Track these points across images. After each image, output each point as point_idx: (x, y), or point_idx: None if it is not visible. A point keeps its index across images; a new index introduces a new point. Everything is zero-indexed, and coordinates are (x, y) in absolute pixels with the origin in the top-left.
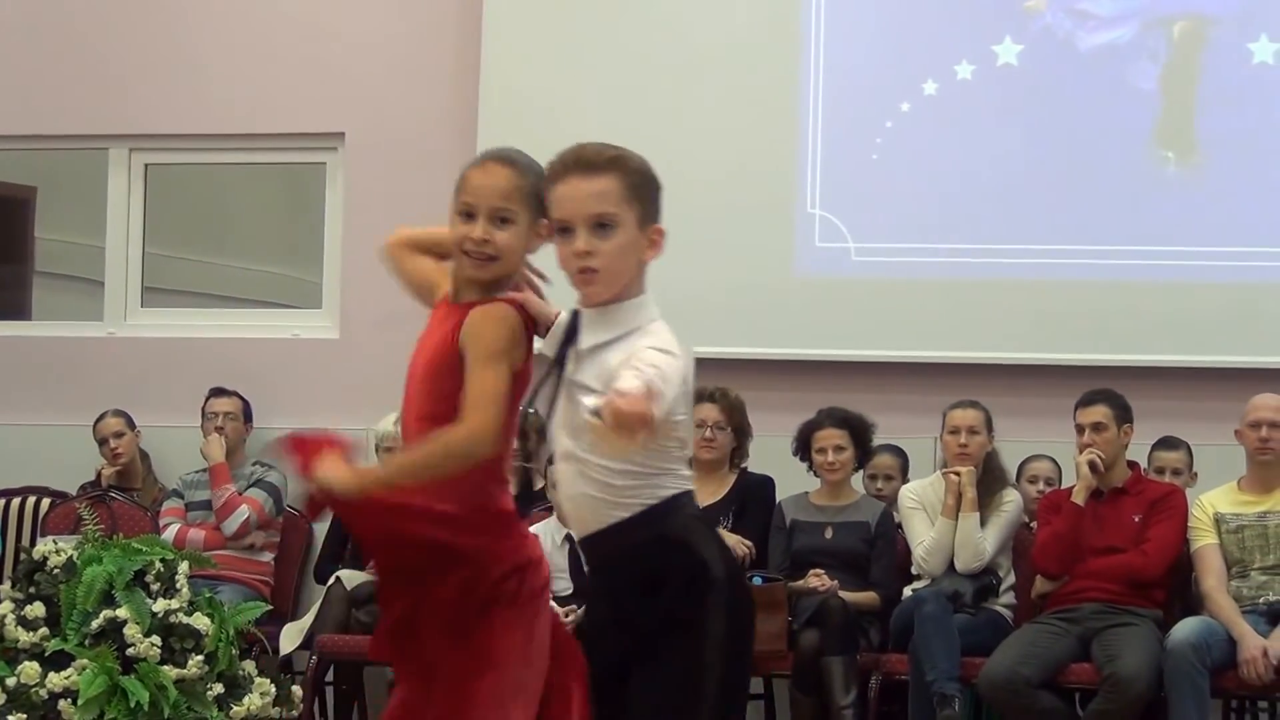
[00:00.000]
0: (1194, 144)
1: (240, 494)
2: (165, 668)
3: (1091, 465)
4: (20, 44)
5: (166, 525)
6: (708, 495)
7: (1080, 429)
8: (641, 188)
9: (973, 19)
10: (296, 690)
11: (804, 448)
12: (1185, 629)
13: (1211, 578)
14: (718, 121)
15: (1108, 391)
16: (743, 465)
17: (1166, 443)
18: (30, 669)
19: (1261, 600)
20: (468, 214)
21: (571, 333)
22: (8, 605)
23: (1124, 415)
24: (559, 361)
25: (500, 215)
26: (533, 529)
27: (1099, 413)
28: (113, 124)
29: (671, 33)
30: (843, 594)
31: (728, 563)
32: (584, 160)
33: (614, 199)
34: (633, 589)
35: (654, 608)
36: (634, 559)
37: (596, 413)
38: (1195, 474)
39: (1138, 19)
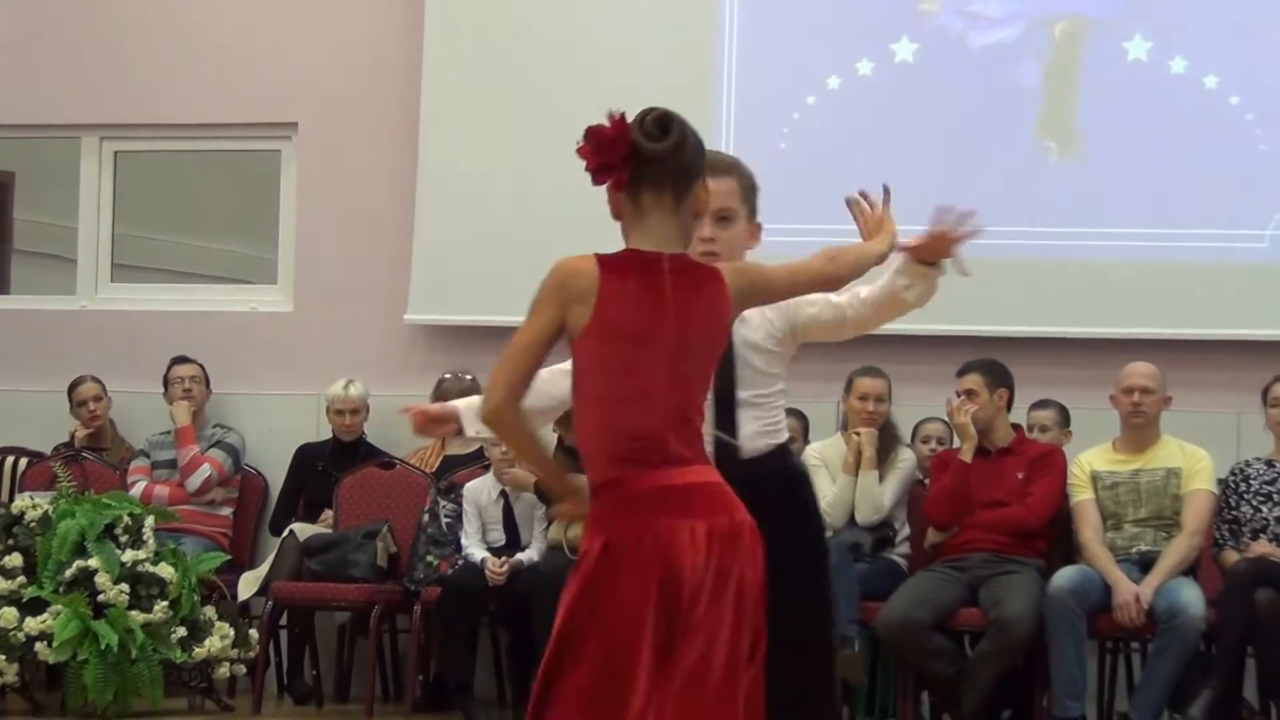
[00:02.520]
0: (1074, 135)
1: (202, 454)
2: (133, 613)
3: (962, 429)
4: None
5: (134, 483)
6: None
7: (957, 395)
8: (751, 190)
9: (872, 19)
10: (253, 633)
11: None
12: (1064, 576)
13: (1089, 529)
14: (637, 105)
15: (982, 361)
16: None
17: (1038, 404)
18: (8, 614)
19: (1134, 550)
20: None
21: None
22: None
23: (997, 381)
24: None
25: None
26: (468, 485)
27: (971, 380)
28: (85, 114)
29: (594, 30)
30: None
31: None
32: (711, 163)
33: (735, 197)
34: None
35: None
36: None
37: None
38: (1069, 432)
39: (1023, 20)
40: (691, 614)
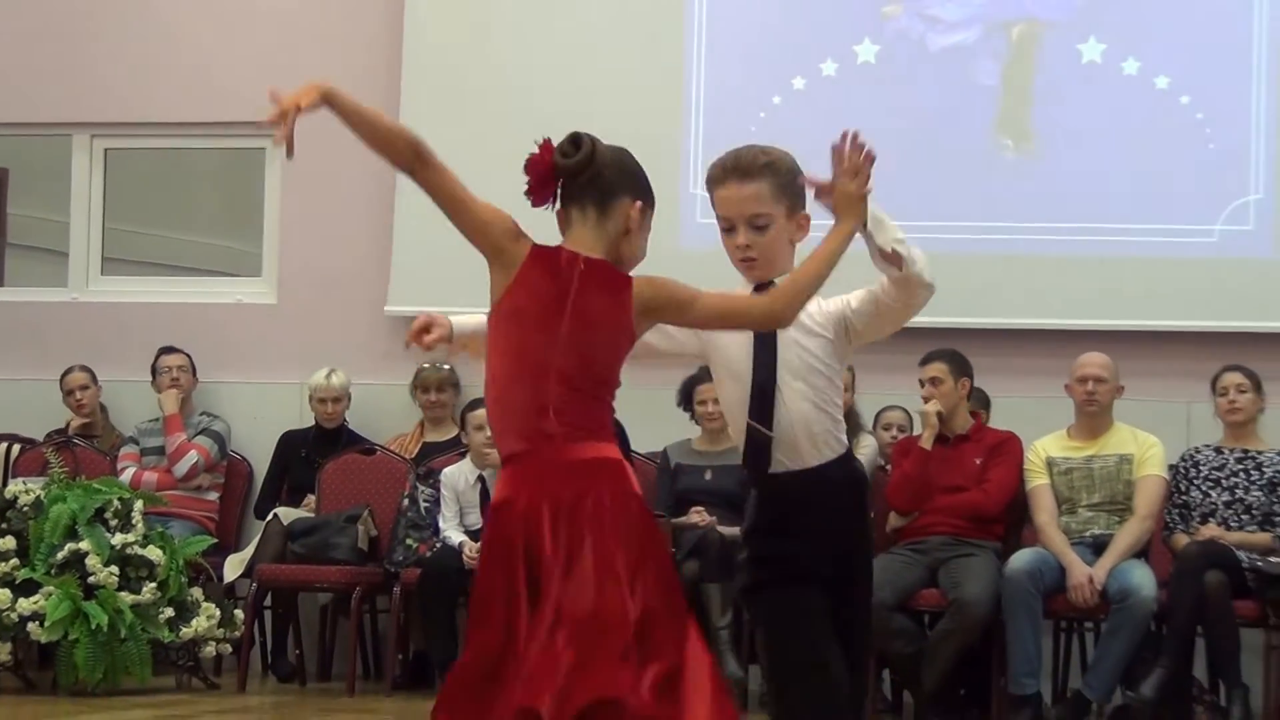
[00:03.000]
0: (1030, 133)
1: (189, 441)
2: (122, 594)
3: (926, 418)
4: None
5: (124, 468)
6: None
7: (921, 383)
8: (789, 186)
9: (836, 22)
10: (239, 613)
11: (687, 399)
12: (1021, 559)
13: (1044, 514)
14: (611, 110)
15: (945, 350)
16: None
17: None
18: (2, 595)
19: (1088, 533)
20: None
21: None
22: None
23: (960, 370)
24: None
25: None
26: (446, 471)
27: (936, 369)
28: (76, 113)
29: (570, 31)
30: (720, 528)
31: None
32: (741, 167)
33: (767, 200)
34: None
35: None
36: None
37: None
38: (979, 412)
39: (981, 23)
40: (552, 567)
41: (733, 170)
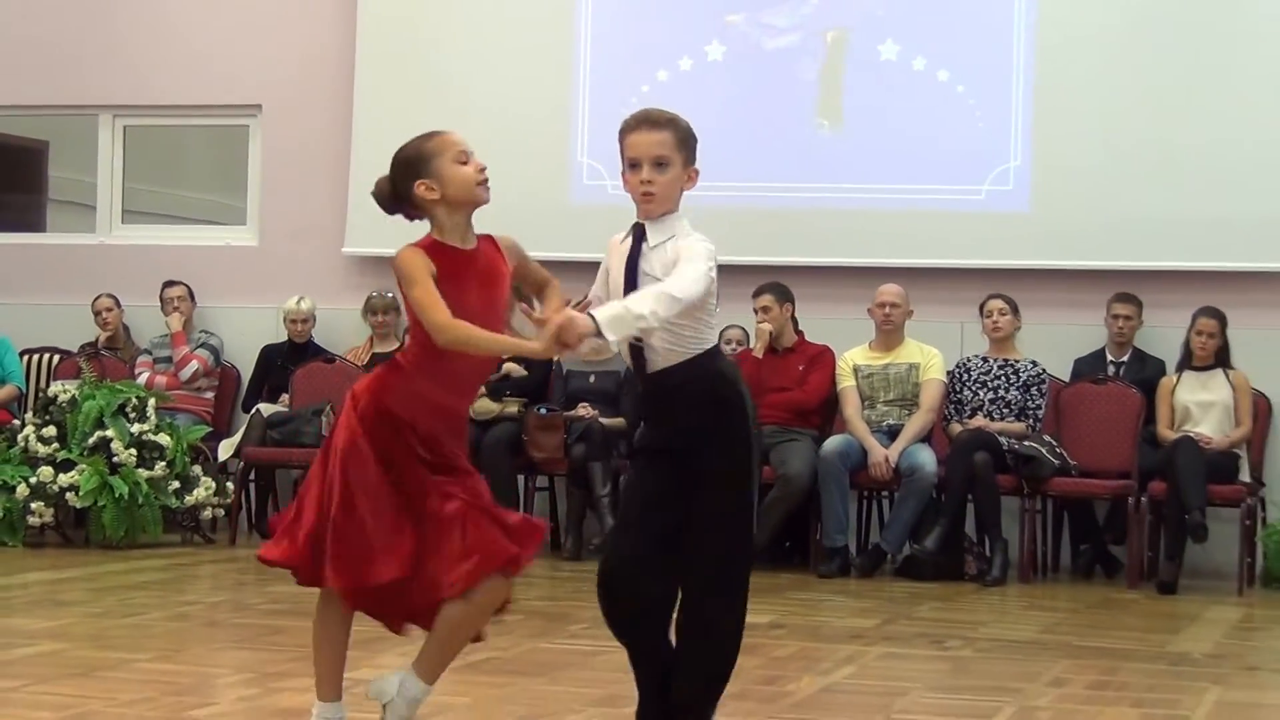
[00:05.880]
0: (841, 116)
1: (191, 352)
2: (139, 470)
3: (760, 333)
4: (37, 39)
5: (140, 374)
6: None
7: (756, 311)
8: (686, 141)
9: (690, 27)
10: (229, 485)
11: None
12: (833, 443)
13: (850, 408)
14: (514, 91)
15: (772, 284)
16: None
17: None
18: (46, 471)
19: (884, 424)
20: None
21: (637, 240)
22: (30, 428)
23: (783, 298)
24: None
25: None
26: None
27: (766, 300)
28: (102, 97)
29: (488, 37)
30: (601, 420)
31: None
32: (651, 118)
33: (669, 146)
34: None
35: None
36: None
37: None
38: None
39: (803, 29)
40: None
41: (644, 120)
